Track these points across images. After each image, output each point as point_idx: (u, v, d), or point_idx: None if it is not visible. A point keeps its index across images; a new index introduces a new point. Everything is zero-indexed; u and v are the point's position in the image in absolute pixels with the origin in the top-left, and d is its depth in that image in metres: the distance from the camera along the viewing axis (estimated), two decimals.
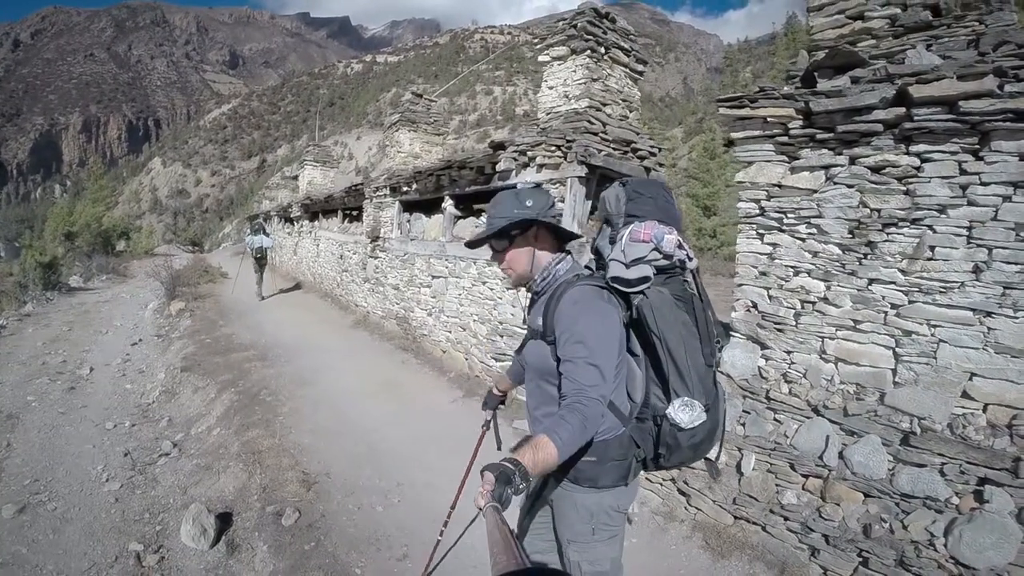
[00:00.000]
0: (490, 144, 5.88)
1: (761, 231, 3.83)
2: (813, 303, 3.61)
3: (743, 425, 3.72)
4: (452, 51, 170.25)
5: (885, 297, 3.34)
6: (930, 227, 3.17)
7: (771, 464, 3.56)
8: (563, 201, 5.14)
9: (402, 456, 4.68)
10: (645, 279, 1.75)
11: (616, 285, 1.79)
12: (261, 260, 12.53)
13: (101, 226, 26.05)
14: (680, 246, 1.81)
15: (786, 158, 3.71)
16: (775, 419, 3.65)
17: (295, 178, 23.09)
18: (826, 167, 3.54)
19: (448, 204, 7.43)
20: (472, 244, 2.09)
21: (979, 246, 3.04)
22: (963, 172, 3.08)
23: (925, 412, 3.16)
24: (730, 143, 4.07)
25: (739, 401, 3.79)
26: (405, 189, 8.60)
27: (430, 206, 8.45)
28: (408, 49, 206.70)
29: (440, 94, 10.88)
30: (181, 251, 32.45)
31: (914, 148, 3.21)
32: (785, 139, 3.66)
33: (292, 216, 17.24)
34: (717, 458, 1.90)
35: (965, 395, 3.13)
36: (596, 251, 1.99)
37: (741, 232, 3.93)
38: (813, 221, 3.58)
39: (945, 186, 3.13)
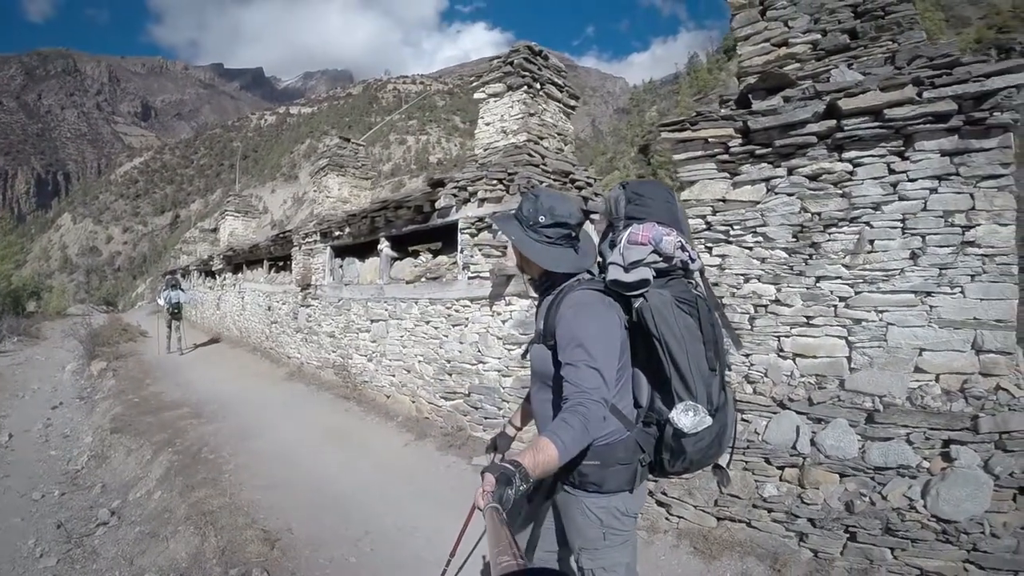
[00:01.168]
0: (429, 182, 5.85)
1: (709, 244, 3.99)
2: (766, 306, 3.77)
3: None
4: (365, 101, 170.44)
5: (833, 292, 3.54)
6: (867, 223, 3.44)
7: (746, 462, 3.58)
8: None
9: (364, 503, 4.35)
10: (644, 282, 1.74)
11: (616, 288, 1.77)
12: (176, 315, 12.59)
13: (11, 285, 23.61)
14: (682, 248, 1.79)
15: (727, 174, 3.94)
16: (743, 419, 3.68)
17: (214, 230, 22.27)
18: (766, 179, 3.78)
19: (384, 246, 7.26)
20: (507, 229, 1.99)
21: (913, 235, 3.32)
22: (892, 172, 3.39)
23: (884, 390, 3.33)
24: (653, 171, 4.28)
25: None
26: (337, 233, 8.36)
27: (363, 250, 8.26)
28: (322, 100, 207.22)
29: (365, 138, 10.88)
30: (95, 311, 30.40)
31: (846, 155, 3.51)
32: (726, 157, 3.89)
33: (213, 269, 16.48)
34: (728, 464, 1.88)
35: (918, 369, 3.33)
36: (600, 255, 1.96)
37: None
38: (759, 230, 3.78)
39: (877, 185, 3.42)
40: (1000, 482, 2.90)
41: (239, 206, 18.16)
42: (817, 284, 3.59)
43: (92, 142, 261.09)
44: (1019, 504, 2.88)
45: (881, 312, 3.41)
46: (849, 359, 3.51)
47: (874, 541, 3.05)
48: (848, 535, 3.13)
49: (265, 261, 12.58)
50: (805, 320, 3.62)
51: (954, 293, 3.25)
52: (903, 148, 3.37)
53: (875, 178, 3.43)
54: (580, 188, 5.72)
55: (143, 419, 6.71)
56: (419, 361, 6.34)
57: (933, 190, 3.29)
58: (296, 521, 4.03)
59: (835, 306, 3.54)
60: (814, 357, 3.60)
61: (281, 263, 12.11)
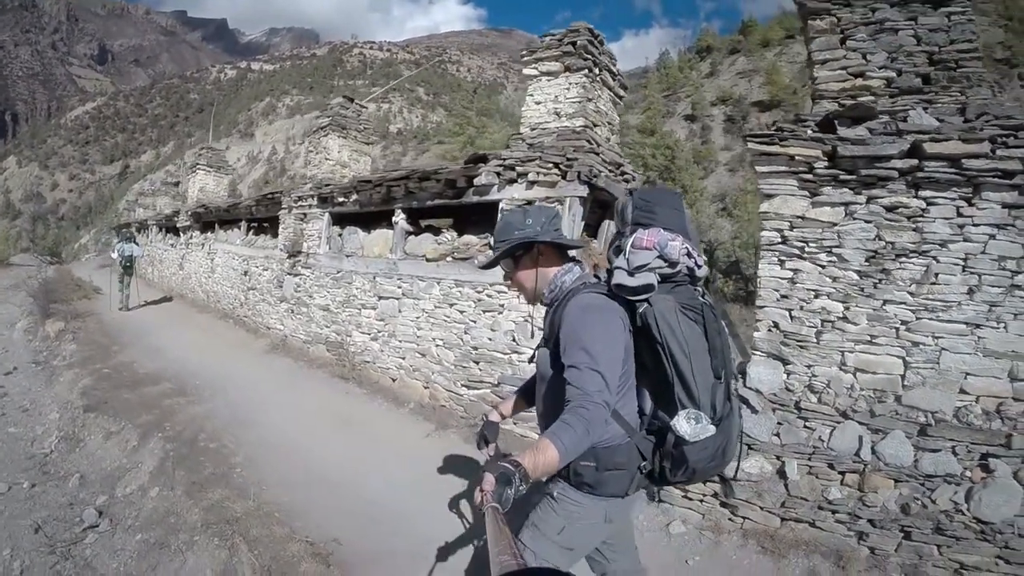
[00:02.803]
0: (470, 157, 5.56)
1: (783, 258, 4.22)
2: (832, 322, 4.08)
3: (778, 436, 4.04)
4: (330, 64, 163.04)
5: (897, 315, 3.91)
6: (935, 258, 3.83)
7: (811, 466, 3.91)
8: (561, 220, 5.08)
9: (405, 507, 4.03)
10: (648, 287, 1.75)
11: (620, 293, 1.79)
12: (128, 268, 12.29)
13: None
14: (688, 254, 1.81)
15: (808, 193, 4.16)
16: (806, 426, 4.03)
17: (176, 184, 20.95)
18: (846, 204, 4.05)
19: (400, 218, 6.84)
20: (486, 266, 2.17)
21: (972, 273, 3.74)
22: (959, 215, 3.77)
23: (936, 407, 3.78)
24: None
25: (772, 415, 4.10)
26: (341, 200, 7.73)
27: (368, 220, 7.73)
28: (285, 58, 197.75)
29: (370, 100, 10.17)
30: (41, 262, 27.23)
31: (922, 193, 3.85)
32: (809, 177, 4.11)
33: (178, 226, 15.52)
34: (735, 476, 1.89)
35: (962, 391, 3.79)
36: (607, 260, 2.00)
37: (763, 259, 4.29)
38: (834, 250, 4.07)
39: (946, 225, 3.80)
40: None
41: (211, 160, 16.59)
42: (883, 307, 3.95)
43: (44, 83, 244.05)
44: None
45: (937, 338, 3.82)
46: (903, 376, 3.93)
47: (925, 539, 3.50)
48: (903, 534, 3.56)
49: (244, 222, 11.61)
50: (869, 338, 3.99)
51: (999, 328, 3.71)
52: (971, 195, 3.75)
53: (945, 218, 3.80)
54: (628, 181, 5.73)
55: (119, 395, 5.97)
56: (437, 345, 6.11)
57: (992, 236, 3.70)
58: (338, 530, 3.65)
59: (897, 328, 3.92)
60: (874, 373, 3.98)
61: (264, 225, 11.25)
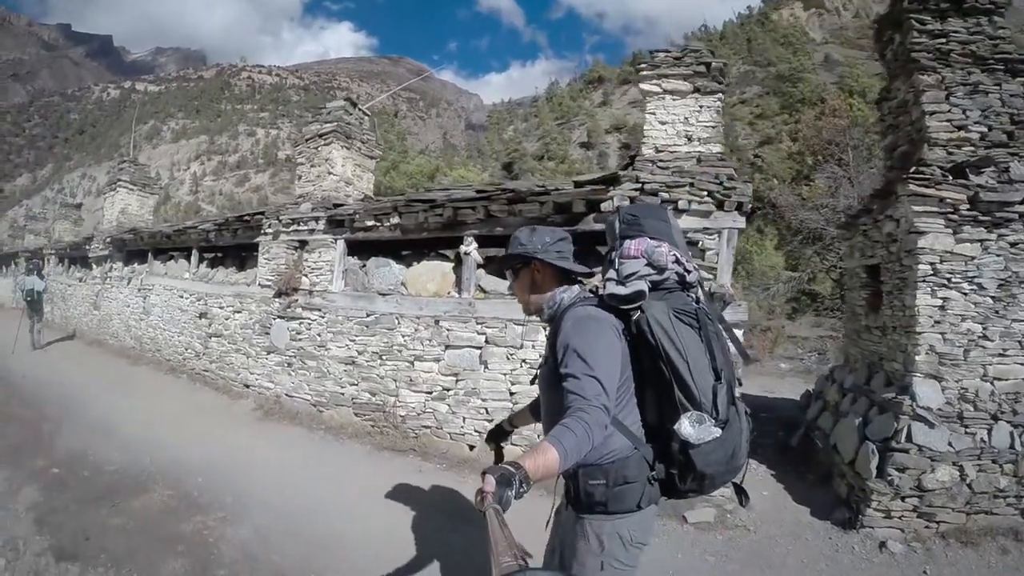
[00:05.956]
0: (598, 178, 5.01)
1: (934, 288, 4.81)
2: (975, 341, 4.81)
3: (950, 444, 4.62)
4: (217, 87, 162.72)
5: (1020, 331, 4.79)
6: None
7: (980, 464, 4.57)
8: (717, 254, 4.93)
9: None
10: (640, 294, 1.80)
11: (612, 302, 1.83)
12: (34, 304, 11.24)
13: None
14: (676, 260, 1.87)
15: (951, 231, 4.80)
16: (967, 432, 4.69)
17: (79, 206, 19.01)
18: (981, 240, 4.78)
19: (471, 248, 5.82)
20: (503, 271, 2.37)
21: None
22: None
23: None
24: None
25: (945, 428, 4.66)
26: (371, 224, 6.29)
27: (394, 250, 6.52)
28: (171, 79, 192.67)
29: (370, 107, 8.06)
30: None
31: None
32: (954, 216, 4.75)
33: (91, 256, 13.38)
34: (741, 482, 1.94)
35: None
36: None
37: (919, 289, 4.82)
38: (974, 280, 4.78)
39: None
40: None
41: (135, 177, 13.29)
42: (1011, 325, 4.79)
43: None
44: None
45: None
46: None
47: None
48: None
49: (195, 251, 9.35)
50: (1001, 352, 4.80)
51: None
52: None
53: None
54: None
55: (99, 518, 4.00)
56: None
57: None
58: None
59: (1020, 341, 4.79)
60: (1005, 380, 4.81)
61: (218, 256, 9.39)
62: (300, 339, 7.29)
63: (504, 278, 5.81)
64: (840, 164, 21.16)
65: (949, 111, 5.14)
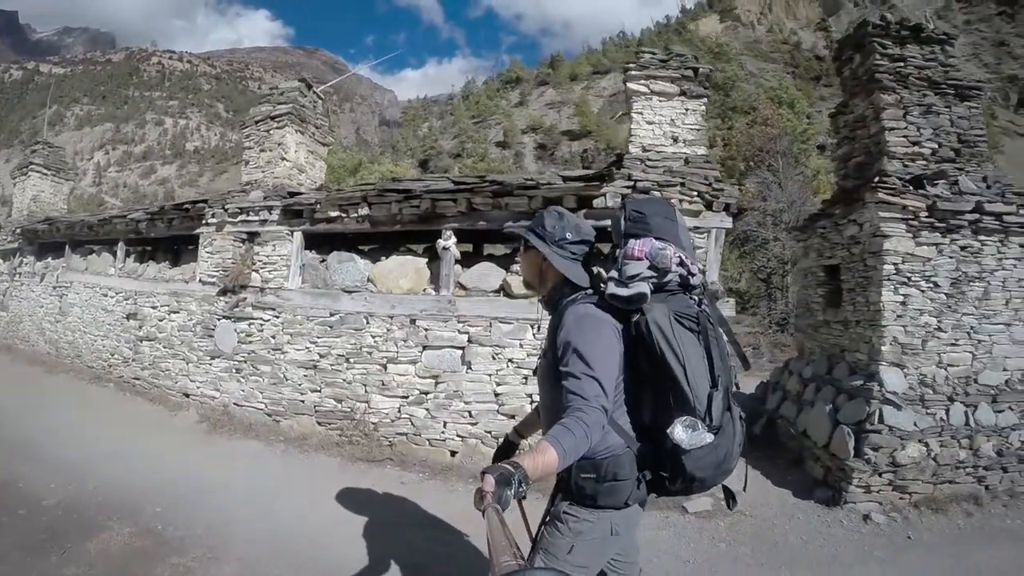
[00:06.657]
0: (590, 175, 5.19)
1: (896, 285, 5.40)
2: (932, 332, 5.43)
3: (915, 424, 5.21)
4: (126, 71, 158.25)
5: (968, 323, 5.45)
6: (988, 281, 5.45)
7: (942, 440, 5.17)
8: (706, 253, 5.29)
9: None
10: (641, 296, 1.77)
11: (613, 303, 1.82)
12: None
13: None
14: (680, 262, 1.84)
15: (911, 235, 5.40)
16: (928, 413, 5.30)
17: None
18: (936, 244, 5.41)
19: (450, 242, 5.71)
20: (511, 237, 2.34)
21: (1006, 291, 5.47)
22: (999, 252, 5.46)
23: (996, 381, 5.43)
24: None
25: (909, 410, 5.24)
26: (335, 215, 6.02)
27: (355, 244, 6.42)
28: (78, 62, 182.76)
29: (318, 95, 7.46)
30: None
31: (980, 236, 5.43)
32: (915, 223, 5.35)
33: None
34: (744, 489, 1.96)
35: (1004, 368, 5.50)
36: (601, 275, 2.03)
37: (884, 287, 5.38)
38: (931, 279, 5.40)
39: (993, 259, 5.45)
40: None
41: (49, 160, 11.90)
42: (961, 318, 5.44)
43: None
44: None
45: (990, 335, 5.47)
46: (970, 366, 5.49)
47: (1016, 469, 5.10)
48: (1003, 470, 5.10)
49: (122, 244, 8.58)
50: (953, 342, 5.44)
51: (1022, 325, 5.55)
52: (1004, 238, 5.48)
53: (991, 254, 5.46)
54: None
55: (42, 567, 3.41)
56: (533, 405, 5.36)
57: (1015, 265, 5.50)
58: None
59: (968, 332, 5.46)
60: (956, 366, 5.46)
61: (147, 249, 8.75)
62: (251, 341, 6.76)
63: (488, 274, 5.95)
64: (770, 170, 22.48)
65: (906, 128, 5.77)
